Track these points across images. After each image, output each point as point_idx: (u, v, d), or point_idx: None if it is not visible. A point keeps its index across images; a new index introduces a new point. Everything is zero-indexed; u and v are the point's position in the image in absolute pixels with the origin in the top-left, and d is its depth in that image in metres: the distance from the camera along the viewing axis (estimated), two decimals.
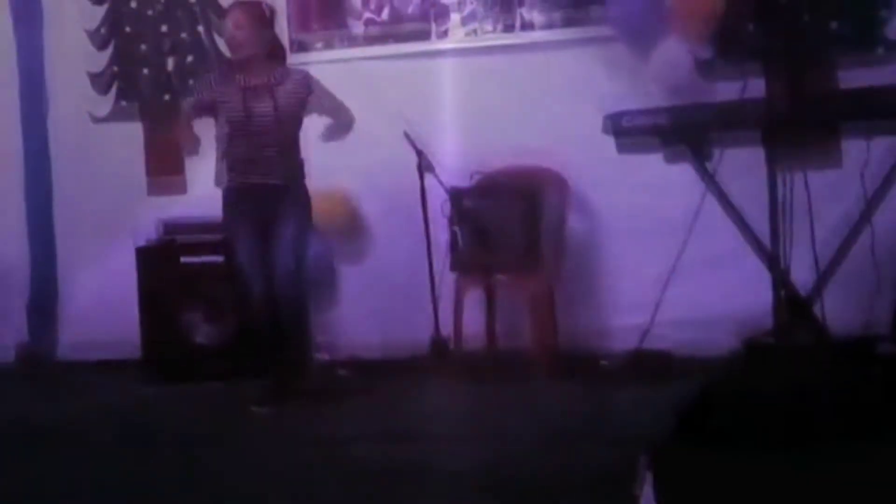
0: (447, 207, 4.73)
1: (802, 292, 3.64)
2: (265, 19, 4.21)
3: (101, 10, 5.49)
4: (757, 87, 3.48)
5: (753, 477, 2.67)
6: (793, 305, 3.64)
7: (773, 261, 3.66)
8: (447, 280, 4.77)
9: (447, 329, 4.77)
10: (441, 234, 4.75)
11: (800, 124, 3.22)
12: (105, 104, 5.51)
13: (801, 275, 3.67)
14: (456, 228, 4.70)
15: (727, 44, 4.64)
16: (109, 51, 5.50)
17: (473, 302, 4.80)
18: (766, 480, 2.67)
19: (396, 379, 4.67)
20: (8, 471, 3.55)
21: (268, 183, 4.14)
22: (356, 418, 4.03)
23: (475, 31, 5.11)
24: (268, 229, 4.16)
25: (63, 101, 5.55)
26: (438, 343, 4.78)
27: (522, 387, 4.42)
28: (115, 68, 5.51)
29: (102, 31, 5.50)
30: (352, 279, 5.23)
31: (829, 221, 3.76)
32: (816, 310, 3.65)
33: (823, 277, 3.62)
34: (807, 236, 3.72)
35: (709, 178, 3.60)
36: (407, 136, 4.70)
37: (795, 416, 2.97)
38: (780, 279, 3.67)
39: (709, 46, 4.64)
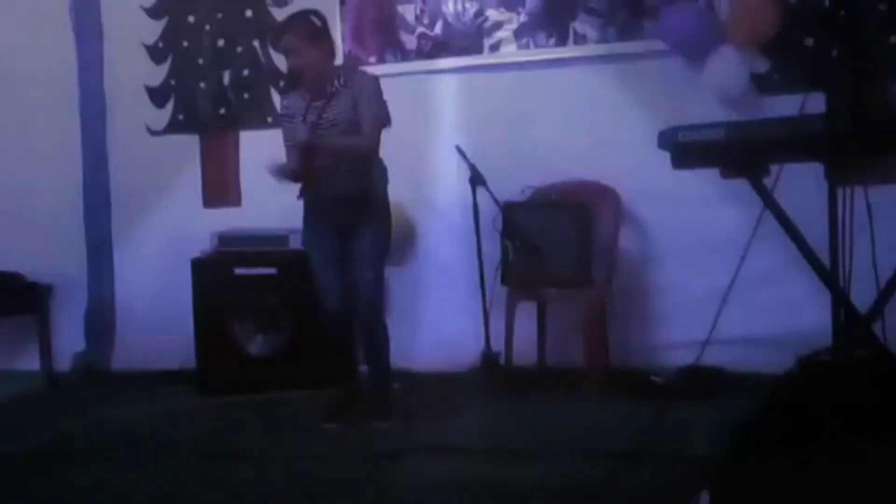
0: (499, 221, 4.73)
1: (862, 310, 3.57)
2: (316, 31, 4.11)
3: (159, 25, 5.60)
4: (816, 102, 3.44)
5: (811, 493, 2.63)
6: (852, 323, 3.57)
7: (832, 278, 3.59)
8: (498, 294, 4.77)
9: (498, 343, 4.77)
10: (493, 248, 4.75)
11: (860, 139, 3.17)
12: (162, 117, 5.61)
13: (861, 292, 3.60)
14: (507, 242, 4.69)
15: (786, 58, 4.60)
16: (167, 65, 5.60)
17: (524, 316, 4.80)
18: (825, 497, 2.63)
19: (447, 392, 4.66)
20: (62, 479, 3.61)
21: (342, 194, 4.05)
22: (406, 432, 4.03)
23: (527, 45, 5.11)
24: (345, 241, 4.09)
25: (121, 114, 5.65)
26: (489, 357, 4.78)
27: (573, 402, 4.39)
28: (173, 82, 5.60)
29: (160, 45, 5.60)
30: (403, 292, 5.25)
31: (890, 238, 3.69)
32: (876, 328, 3.58)
33: (884, 295, 3.54)
34: (867, 253, 3.66)
35: (766, 194, 3.54)
36: (459, 149, 4.71)
37: (854, 433, 2.92)
38: (839, 297, 3.60)
39: (766, 60, 4.61)
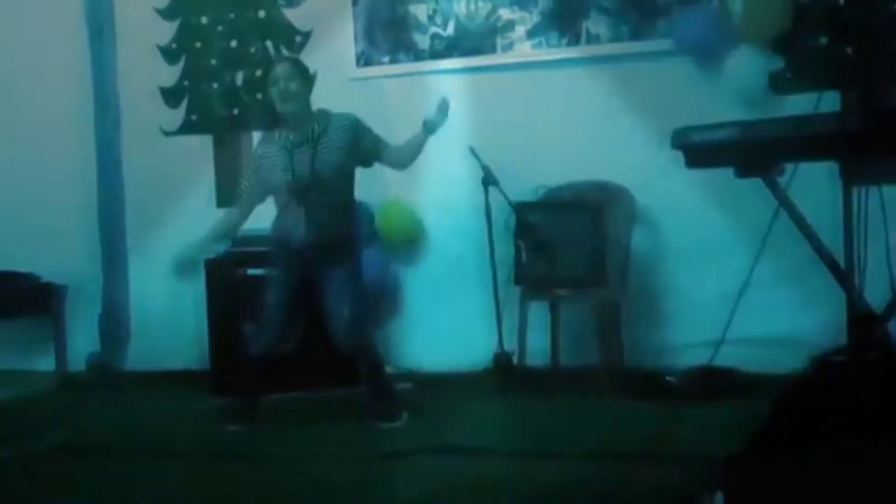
0: (512, 221, 4.73)
1: (877, 309, 3.56)
2: (308, 74, 4.17)
3: (172, 26, 5.61)
4: (831, 100, 3.43)
5: (826, 493, 2.62)
6: (866, 323, 3.56)
7: (847, 278, 3.58)
8: (511, 294, 4.77)
9: (511, 343, 4.76)
10: (505, 249, 4.75)
11: (876, 137, 3.15)
12: (176, 118, 5.62)
13: (876, 291, 3.59)
14: (520, 242, 4.69)
15: (800, 57, 4.58)
16: (180, 65, 5.61)
17: (537, 317, 4.79)
18: (839, 497, 2.62)
19: (460, 393, 4.66)
20: (75, 478, 3.62)
21: (316, 240, 4.07)
22: (418, 432, 4.03)
23: (540, 45, 5.11)
24: (315, 284, 4.10)
25: (135, 114, 5.66)
26: (502, 357, 4.78)
27: (587, 403, 4.38)
28: (186, 83, 5.62)
29: (174, 46, 5.61)
30: (415, 292, 5.25)
31: None
32: (891, 328, 3.57)
33: None
34: (881, 252, 3.65)
35: (781, 194, 3.53)
36: (472, 150, 4.71)
37: (869, 433, 2.91)
38: (854, 296, 3.59)
39: (780, 59, 4.59)
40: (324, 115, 4.15)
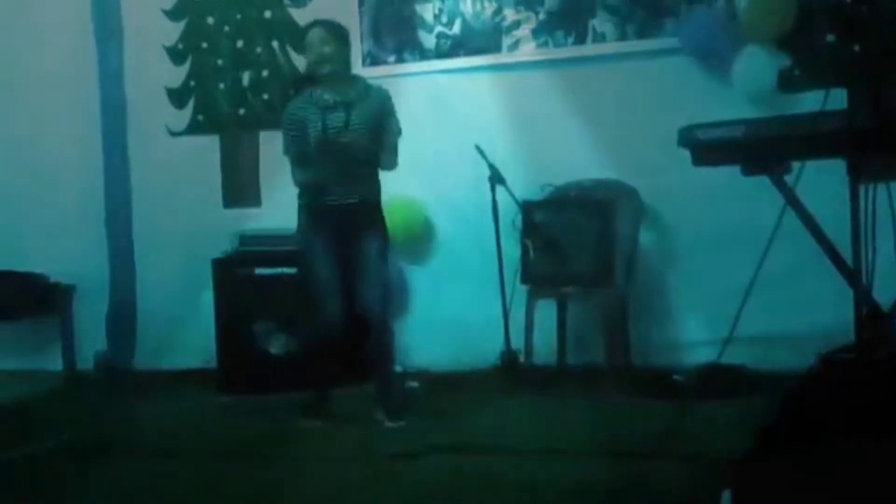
0: (518, 220, 4.73)
1: (885, 307, 3.55)
2: (345, 37, 4.18)
3: (179, 27, 5.63)
4: (838, 98, 3.41)
5: (834, 493, 2.62)
6: (874, 321, 3.55)
7: (855, 276, 3.57)
8: (518, 293, 4.77)
9: (518, 342, 4.76)
10: (512, 247, 4.75)
11: (883, 135, 3.15)
12: (182, 118, 5.63)
13: (884, 290, 3.58)
14: (527, 241, 4.70)
15: (807, 54, 4.58)
16: (187, 66, 5.63)
17: (544, 315, 4.79)
18: (847, 496, 2.61)
19: (467, 391, 4.67)
20: (82, 477, 3.63)
21: (346, 202, 4.09)
22: (425, 430, 4.03)
23: (546, 44, 5.11)
24: (347, 248, 4.11)
25: (142, 115, 5.68)
26: (509, 356, 4.78)
27: (594, 401, 4.37)
28: (193, 83, 5.63)
29: (180, 46, 5.63)
30: (422, 290, 5.26)
31: None
32: None
33: None
34: (889, 250, 3.63)
35: (788, 191, 3.53)
36: (478, 149, 4.71)
37: (877, 431, 2.90)
38: (861, 294, 3.58)
39: (787, 57, 4.59)
40: (362, 82, 4.18)
